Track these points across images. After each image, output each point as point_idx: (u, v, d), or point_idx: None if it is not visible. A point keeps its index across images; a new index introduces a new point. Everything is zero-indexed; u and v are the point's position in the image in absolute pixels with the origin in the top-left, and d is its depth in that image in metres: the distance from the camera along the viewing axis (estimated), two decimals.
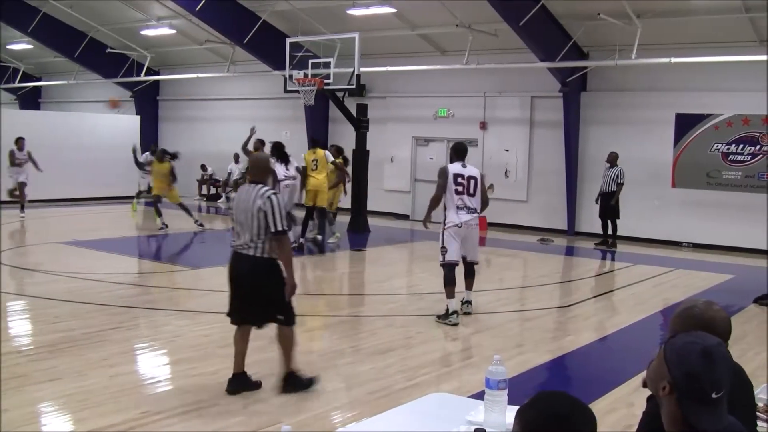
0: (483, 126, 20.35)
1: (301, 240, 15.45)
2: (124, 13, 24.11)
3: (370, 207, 19.32)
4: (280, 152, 15.56)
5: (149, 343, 8.61)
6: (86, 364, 7.46)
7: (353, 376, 7.38)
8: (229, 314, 6.83)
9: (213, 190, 26.71)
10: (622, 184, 17.01)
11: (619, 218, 17.29)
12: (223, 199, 25.65)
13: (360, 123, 18.57)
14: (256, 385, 6.80)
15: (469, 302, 10.04)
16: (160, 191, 18.03)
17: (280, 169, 15.27)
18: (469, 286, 10.11)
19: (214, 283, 12.08)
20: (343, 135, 21.56)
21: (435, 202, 9.77)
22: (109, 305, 10.31)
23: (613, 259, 16.31)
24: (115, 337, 8.75)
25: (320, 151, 15.78)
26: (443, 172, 9.61)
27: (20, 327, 9.57)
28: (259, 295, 6.59)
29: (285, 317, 6.69)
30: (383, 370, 7.59)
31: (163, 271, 13.73)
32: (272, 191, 6.57)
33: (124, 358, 7.95)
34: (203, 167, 26.50)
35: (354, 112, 18.64)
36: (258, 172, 6.87)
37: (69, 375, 7.09)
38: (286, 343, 6.77)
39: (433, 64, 20.38)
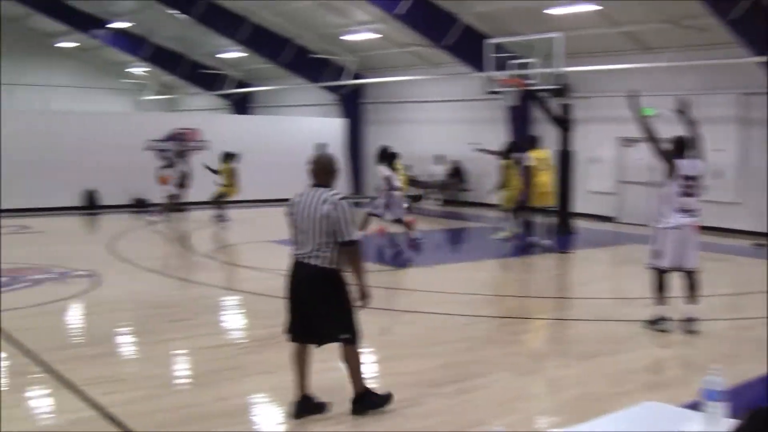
0: None
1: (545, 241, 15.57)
2: (328, 20, 24.88)
3: (574, 209, 19.01)
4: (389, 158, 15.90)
5: None
6: None
7: (559, 380, 7.30)
8: (288, 331, 6.24)
9: (416, 192, 27.00)
10: None
11: None
12: (425, 200, 25.96)
13: (563, 123, 18.31)
14: (321, 408, 6.24)
15: (692, 319, 8.98)
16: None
17: (393, 177, 15.61)
18: (692, 298, 9.06)
19: (419, 282, 12.29)
20: (545, 136, 21.31)
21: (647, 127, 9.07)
22: None
23: None
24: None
25: (545, 151, 15.84)
26: (673, 161, 8.82)
27: (234, 321, 10.09)
28: (322, 309, 6.02)
29: (350, 335, 6.13)
30: (590, 375, 7.47)
31: (368, 270, 14.01)
32: (341, 196, 5.99)
33: (330, 355, 8.15)
34: (406, 168, 26.82)
35: (557, 112, 18.40)
36: (322, 174, 6.13)
37: (280, 369, 7.35)
38: (353, 363, 6.20)
39: (638, 62, 19.77)
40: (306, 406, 6.14)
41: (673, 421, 3.69)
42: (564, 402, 6.68)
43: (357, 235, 6.02)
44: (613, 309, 10.65)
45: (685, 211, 8.81)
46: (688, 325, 8.96)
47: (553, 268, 14.36)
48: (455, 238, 19.29)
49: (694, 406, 3.59)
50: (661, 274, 9.06)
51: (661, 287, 9.08)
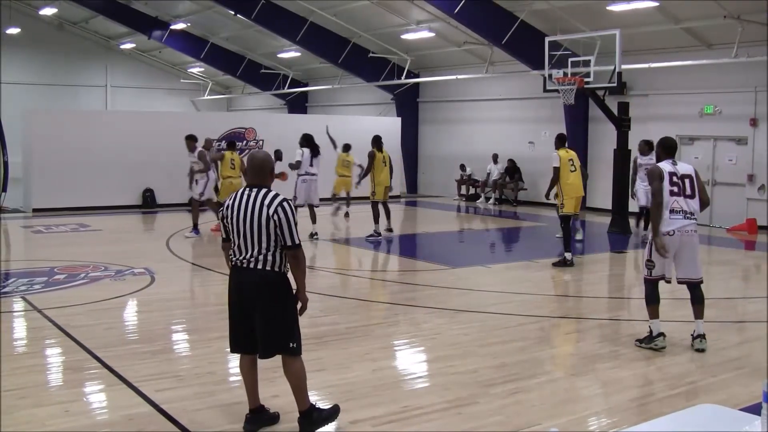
0: (753, 123, 19.19)
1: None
2: (385, 19, 24.92)
3: (631, 208, 18.75)
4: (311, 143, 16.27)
5: (409, 339, 8.82)
6: (350, 357, 7.77)
7: (613, 382, 7.19)
8: (231, 342, 5.98)
9: (472, 191, 26.96)
10: None
11: None
12: (482, 199, 25.88)
13: (621, 122, 18.07)
14: (274, 419, 5.99)
15: (702, 336, 8.20)
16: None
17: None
18: (699, 313, 8.29)
19: (474, 282, 12.22)
20: (604, 134, 21.10)
21: (657, 209, 8.02)
22: (371, 301, 10.68)
23: None
24: (377, 333, 9.05)
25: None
26: (656, 173, 8.08)
27: None
28: (266, 315, 5.66)
29: (296, 345, 5.77)
30: (644, 376, 7.38)
31: (422, 269, 13.99)
32: (283, 197, 5.66)
33: (385, 353, 8.19)
34: (462, 167, 26.82)
35: (615, 110, 18.18)
36: (261, 173, 5.78)
37: (333, 367, 7.40)
38: (298, 377, 5.80)
39: (698, 58, 19.45)
40: (260, 418, 5.91)
41: (731, 424, 3.60)
42: (618, 403, 6.58)
43: (299, 238, 5.67)
44: (668, 310, 10.46)
45: (682, 212, 8.07)
46: (698, 343, 8.25)
47: (608, 269, 14.17)
48: (510, 237, 19.16)
49: (755, 410, 3.49)
50: (653, 286, 8.45)
51: (654, 300, 8.44)
